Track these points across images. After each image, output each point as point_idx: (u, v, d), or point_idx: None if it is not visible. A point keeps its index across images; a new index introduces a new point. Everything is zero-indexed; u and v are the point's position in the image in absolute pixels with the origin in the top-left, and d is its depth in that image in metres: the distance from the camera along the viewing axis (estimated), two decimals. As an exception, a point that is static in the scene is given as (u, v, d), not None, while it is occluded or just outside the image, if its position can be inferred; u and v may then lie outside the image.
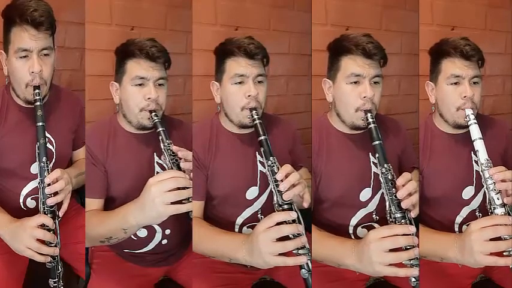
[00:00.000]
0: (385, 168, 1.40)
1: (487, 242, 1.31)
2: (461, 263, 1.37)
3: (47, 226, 1.41)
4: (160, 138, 1.45)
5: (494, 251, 1.31)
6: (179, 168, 1.43)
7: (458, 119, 1.48)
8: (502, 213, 1.36)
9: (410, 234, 1.33)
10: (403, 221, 1.36)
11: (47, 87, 1.49)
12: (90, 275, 1.60)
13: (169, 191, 1.33)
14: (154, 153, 1.52)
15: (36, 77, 1.44)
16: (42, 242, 1.41)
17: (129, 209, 1.39)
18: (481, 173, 1.40)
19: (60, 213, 1.45)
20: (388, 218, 1.39)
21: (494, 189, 1.38)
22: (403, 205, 1.36)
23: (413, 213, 1.38)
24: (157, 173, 1.52)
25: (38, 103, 1.44)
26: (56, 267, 1.44)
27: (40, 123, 1.43)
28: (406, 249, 1.32)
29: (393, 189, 1.38)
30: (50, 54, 1.47)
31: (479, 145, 1.41)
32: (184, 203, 1.35)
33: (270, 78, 1.52)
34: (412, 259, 1.32)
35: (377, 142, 1.42)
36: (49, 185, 1.42)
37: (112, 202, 1.51)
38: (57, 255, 1.43)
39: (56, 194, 1.43)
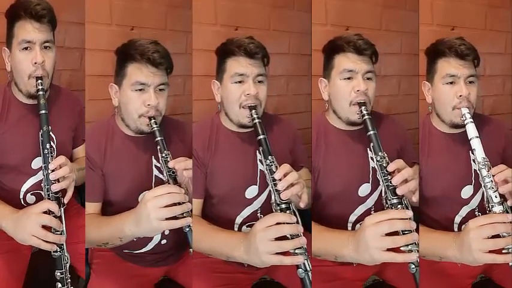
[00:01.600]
0: (380, 156, 1.40)
1: (485, 240, 1.31)
2: (460, 262, 1.36)
3: (53, 212, 1.39)
4: (158, 148, 1.45)
5: (493, 248, 1.31)
6: (176, 181, 1.43)
7: (455, 118, 1.48)
8: (500, 211, 1.36)
9: (407, 219, 1.32)
10: (399, 206, 1.36)
11: (49, 80, 1.51)
12: (90, 275, 1.60)
13: (165, 206, 1.34)
14: (153, 157, 1.51)
15: (39, 68, 1.46)
16: (48, 230, 1.39)
17: (126, 220, 1.39)
18: (478, 171, 1.40)
19: (65, 200, 1.44)
20: (384, 204, 1.39)
21: (492, 188, 1.37)
22: (399, 191, 1.36)
23: (415, 198, 1.39)
24: (156, 176, 1.52)
25: (40, 92, 1.45)
26: (62, 257, 1.41)
27: (43, 111, 1.44)
28: (404, 234, 1.32)
29: (388, 176, 1.38)
30: (51, 47, 1.49)
31: (476, 144, 1.40)
32: (179, 218, 1.36)
33: (270, 78, 1.52)
34: (410, 244, 1.31)
35: (371, 132, 1.42)
36: (53, 171, 1.41)
37: (110, 205, 1.52)
38: (63, 244, 1.41)
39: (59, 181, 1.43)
